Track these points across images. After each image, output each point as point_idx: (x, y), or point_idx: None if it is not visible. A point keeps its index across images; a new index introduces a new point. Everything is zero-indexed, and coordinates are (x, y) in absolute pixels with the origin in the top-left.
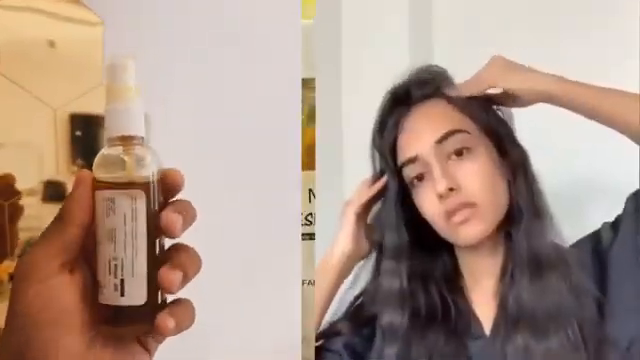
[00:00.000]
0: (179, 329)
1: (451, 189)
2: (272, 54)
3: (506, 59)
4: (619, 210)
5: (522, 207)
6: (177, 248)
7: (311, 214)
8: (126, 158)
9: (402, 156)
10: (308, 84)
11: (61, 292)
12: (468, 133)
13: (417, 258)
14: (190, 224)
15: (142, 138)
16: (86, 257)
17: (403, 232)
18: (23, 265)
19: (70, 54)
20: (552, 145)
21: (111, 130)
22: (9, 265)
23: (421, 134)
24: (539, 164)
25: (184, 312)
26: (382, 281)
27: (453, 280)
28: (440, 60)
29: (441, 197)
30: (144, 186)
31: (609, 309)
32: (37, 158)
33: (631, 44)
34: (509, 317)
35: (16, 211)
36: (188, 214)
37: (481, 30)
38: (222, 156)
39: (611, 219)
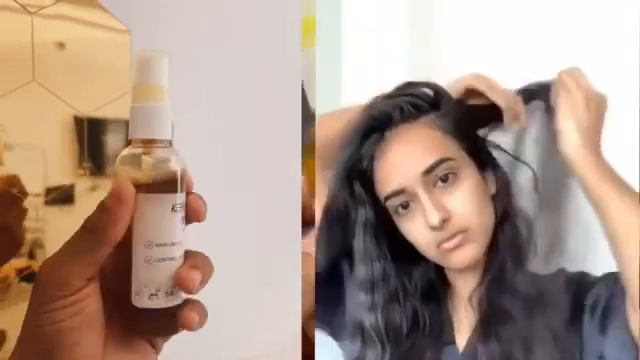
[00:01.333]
0: (201, 324)
1: (444, 220)
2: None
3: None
4: None
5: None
6: (191, 253)
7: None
8: (149, 159)
9: (386, 188)
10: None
11: (87, 302)
12: (454, 160)
13: (391, 278)
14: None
15: (169, 141)
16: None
17: (378, 265)
18: (49, 278)
19: (96, 60)
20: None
21: (135, 131)
22: (17, 262)
23: (406, 165)
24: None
25: (201, 307)
26: (354, 315)
27: (431, 287)
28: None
29: (434, 229)
30: (169, 186)
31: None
32: (43, 160)
33: (631, 44)
34: (484, 324)
35: (21, 212)
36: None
37: (481, 31)
38: (221, 157)
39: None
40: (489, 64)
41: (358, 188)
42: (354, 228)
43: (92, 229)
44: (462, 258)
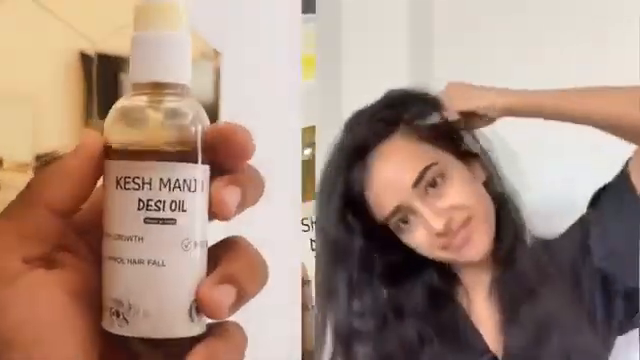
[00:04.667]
0: None
1: (446, 223)
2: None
3: (461, 83)
4: None
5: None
6: (226, 247)
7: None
8: (154, 113)
9: (382, 211)
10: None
11: (36, 298)
12: (437, 163)
13: (395, 298)
14: (255, 200)
15: (184, 87)
16: (78, 247)
17: (379, 292)
18: None
19: None
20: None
21: (138, 72)
22: None
23: (394, 184)
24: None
25: (227, 345)
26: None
27: (444, 294)
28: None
29: (440, 235)
30: (182, 155)
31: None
32: (33, 116)
33: (631, 43)
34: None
35: None
36: (251, 186)
37: (481, 31)
38: None
39: None
40: (489, 63)
41: (351, 218)
42: (346, 260)
43: (32, 191)
44: (473, 251)
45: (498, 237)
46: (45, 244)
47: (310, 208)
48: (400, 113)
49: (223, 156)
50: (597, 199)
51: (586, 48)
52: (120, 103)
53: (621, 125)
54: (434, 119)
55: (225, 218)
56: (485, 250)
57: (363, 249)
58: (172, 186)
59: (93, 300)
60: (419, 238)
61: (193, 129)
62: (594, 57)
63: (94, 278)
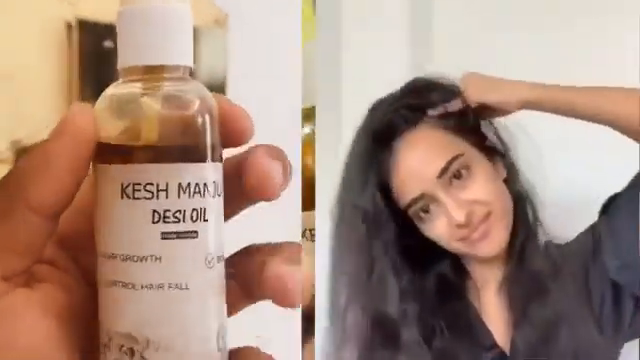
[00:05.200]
0: None
1: (467, 214)
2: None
3: (479, 75)
4: None
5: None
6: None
7: None
8: (152, 102)
9: (405, 197)
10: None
11: (17, 321)
12: (464, 155)
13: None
14: (289, 179)
15: (188, 69)
16: (61, 259)
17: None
18: None
19: None
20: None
21: (128, 55)
22: None
23: (420, 171)
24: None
25: None
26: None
27: (456, 288)
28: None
29: (460, 226)
30: (191, 151)
31: None
32: (11, 96)
33: (631, 44)
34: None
35: None
36: (285, 162)
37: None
38: None
39: None
40: (489, 63)
41: (382, 201)
42: (372, 245)
43: (9, 188)
44: (490, 246)
45: (512, 235)
46: (27, 256)
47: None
48: (426, 101)
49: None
50: (608, 207)
51: (586, 48)
52: (109, 92)
53: (631, 126)
54: (456, 106)
55: (270, 198)
56: (502, 246)
57: (392, 233)
58: (192, 191)
59: (80, 322)
60: (439, 228)
61: (200, 120)
62: (594, 57)
63: (80, 297)
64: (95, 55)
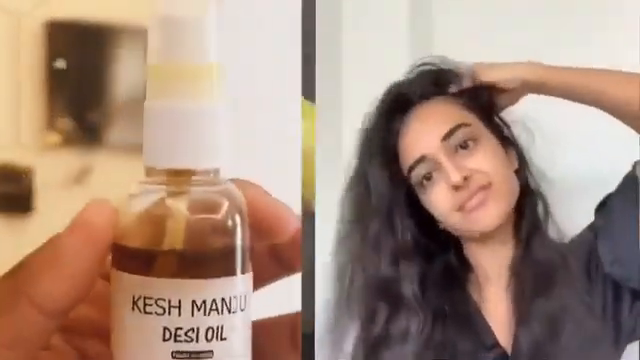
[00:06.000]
0: None
1: (465, 178)
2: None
3: (484, 63)
4: None
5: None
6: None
7: None
8: (180, 207)
9: (408, 159)
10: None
11: None
12: (471, 125)
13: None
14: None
15: (217, 171)
16: (64, 349)
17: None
18: None
19: None
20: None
21: (154, 155)
22: None
23: (426, 134)
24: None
25: None
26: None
27: (458, 280)
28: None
29: (457, 188)
30: (218, 261)
31: None
32: None
33: (631, 43)
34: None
35: None
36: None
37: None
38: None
39: None
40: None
41: (386, 165)
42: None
43: (16, 283)
44: (486, 217)
45: (517, 228)
46: (27, 348)
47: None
48: (441, 78)
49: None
50: (604, 205)
51: (587, 47)
52: (132, 192)
53: (631, 111)
54: (468, 83)
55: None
56: (498, 221)
57: (398, 201)
58: (208, 309)
59: None
60: (438, 194)
61: (230, 224)
62: (594, 57)
63: None
64: (77, 67)
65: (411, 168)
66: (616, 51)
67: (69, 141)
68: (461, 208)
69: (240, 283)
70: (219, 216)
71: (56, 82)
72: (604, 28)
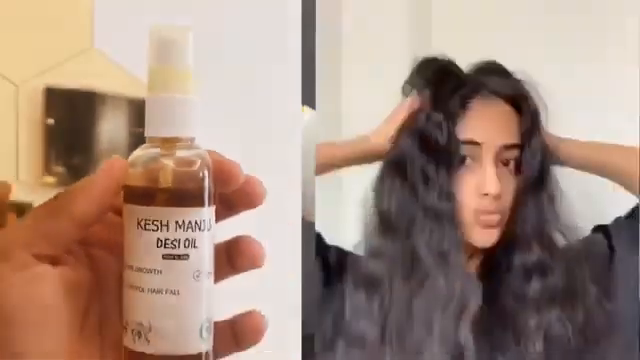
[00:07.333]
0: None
1: (498, 195)
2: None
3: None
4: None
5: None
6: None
7: None
8: (169, 161)
9: (469, 133)
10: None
11: (40, 286)
12: (522, 151)
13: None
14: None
15: (192, 139)
16: (80, 254)
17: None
18: None
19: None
20: None
21: (152, 128)
22: None
23: (493, 130)
24: None
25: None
26: None
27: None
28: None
29: (486, 196)
30: (192, 198)
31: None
32: None
33: (631, 43)
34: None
35: None
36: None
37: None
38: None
39: None
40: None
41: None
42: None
43: (54, 202)
44: (488, 238)
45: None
46: (57, 248)
47: None
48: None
49: (219, 186)
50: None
51: (587, 47)
52: (137, 153)
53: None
54: None
55: (256, 205)
56: (493, 243)
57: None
58: (185, 227)
59: (82, 297)
60: (467, 186)
61: (201, 174)
62: (594, 57)
63: (86, 280)
64: (70, 124)
65: (465, 142)
66: (616, 51)
67: (62, 182)
68: (477, 215)
69: (207, 212)
70: (194, 168)
71: (50, 136)
72: (604, 28)
